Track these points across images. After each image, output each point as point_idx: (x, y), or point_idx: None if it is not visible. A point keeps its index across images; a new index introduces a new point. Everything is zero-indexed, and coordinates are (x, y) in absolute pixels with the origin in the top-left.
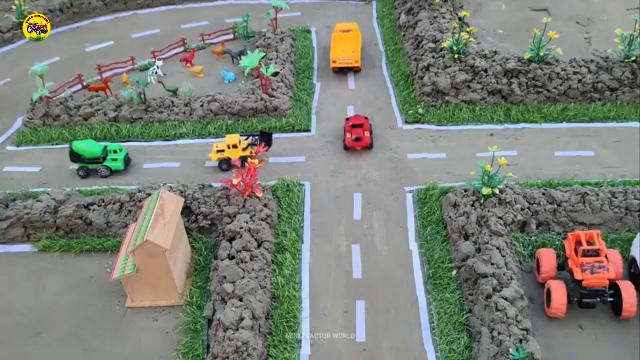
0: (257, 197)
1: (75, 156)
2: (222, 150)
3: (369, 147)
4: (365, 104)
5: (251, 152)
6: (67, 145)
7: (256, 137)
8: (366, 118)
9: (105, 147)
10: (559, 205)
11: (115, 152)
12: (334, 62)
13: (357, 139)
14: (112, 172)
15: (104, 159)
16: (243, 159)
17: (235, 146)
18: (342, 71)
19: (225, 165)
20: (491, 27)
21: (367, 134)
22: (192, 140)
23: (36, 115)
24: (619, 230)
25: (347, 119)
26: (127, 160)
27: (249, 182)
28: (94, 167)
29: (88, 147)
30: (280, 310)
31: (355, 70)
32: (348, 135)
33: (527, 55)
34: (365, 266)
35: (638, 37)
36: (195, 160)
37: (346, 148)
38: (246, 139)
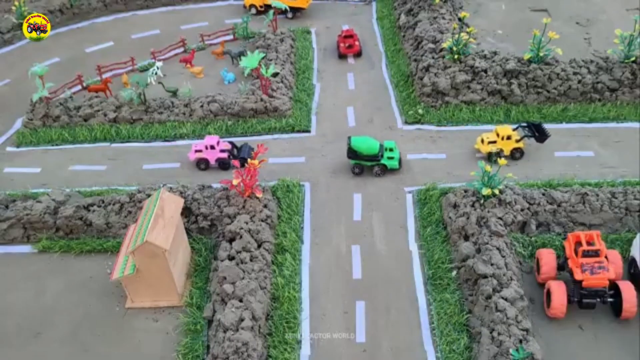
0: (257, 197)
1: (352, 153)
2: (494, 142)
3: (359, 54)
4: (365, 104)
5: (524, 144)
6: (66, 146)
7: (525, 128)
8: (355, 33)
9: (382, 145)
10: (559, 205)
11: (390, 150)
12: None
13: (350, 46)
14: (386, 171)
15: (381, 156)
16: (514, 151)
17: (509, 137)
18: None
19: (495, 156)
20: (491, 28)
21: (357, 42)
22: (192, 140)
23: (36, 116)
24: (619, 230)
25: (339, 35)
26: (400, 160)
27: (249, 182)
28: (370, 164)
29: (365, 144)
30: (280, 311)
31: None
32: (342, 44)
33: (527, 56)
34: (365, 267)
35: (638, 38)
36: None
37: (340, 56)
38: (514, 129)
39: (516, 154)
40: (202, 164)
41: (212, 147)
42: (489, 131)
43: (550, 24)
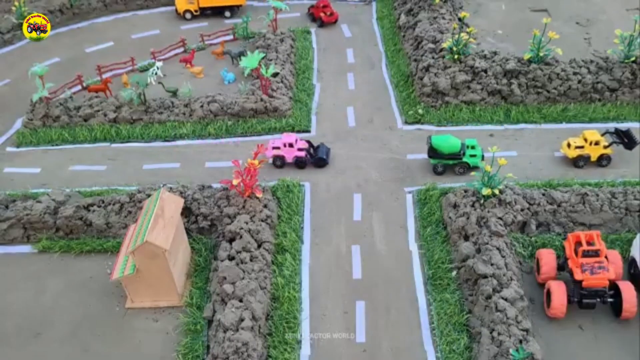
0: (257, 197)
1: (433, 152)
2: (581, 147)
3: (337, 20)
4: (365, 104)
5: (612, 151)
6: (66, 147)
7: (613, 135)
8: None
9: (463, 143)
10: (559, 205)
11: (472, 147)
12: None
13: (331, 14)
14: (469, 169)
15: (463, 154)
16: (601, 157)
17: (597, 143)
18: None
19: (582, 162)
20: (491, 28)
21: (335, 10)
22: (192, 141)
23: (36, 116)
24: (619, 230)
25: (313, 7)
26: (483, 157)
27: (249, 182)
28: (452, 162)
29: (447, 142)
30: (280, 311)
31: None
32: (322, 14)
33: (527, 56)
34: (365, 267)
35: (638, 38)
36: (195, 161)
37: (322, 25)
38: (602, 135)
39: (603, 161)
40: (278, 161)
41: (290, 145)
42: (487, 131)
43: (550, 24)
